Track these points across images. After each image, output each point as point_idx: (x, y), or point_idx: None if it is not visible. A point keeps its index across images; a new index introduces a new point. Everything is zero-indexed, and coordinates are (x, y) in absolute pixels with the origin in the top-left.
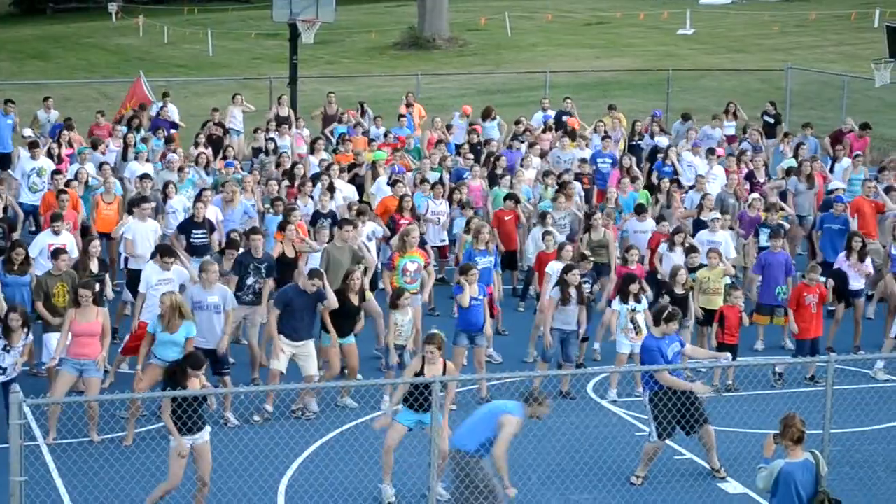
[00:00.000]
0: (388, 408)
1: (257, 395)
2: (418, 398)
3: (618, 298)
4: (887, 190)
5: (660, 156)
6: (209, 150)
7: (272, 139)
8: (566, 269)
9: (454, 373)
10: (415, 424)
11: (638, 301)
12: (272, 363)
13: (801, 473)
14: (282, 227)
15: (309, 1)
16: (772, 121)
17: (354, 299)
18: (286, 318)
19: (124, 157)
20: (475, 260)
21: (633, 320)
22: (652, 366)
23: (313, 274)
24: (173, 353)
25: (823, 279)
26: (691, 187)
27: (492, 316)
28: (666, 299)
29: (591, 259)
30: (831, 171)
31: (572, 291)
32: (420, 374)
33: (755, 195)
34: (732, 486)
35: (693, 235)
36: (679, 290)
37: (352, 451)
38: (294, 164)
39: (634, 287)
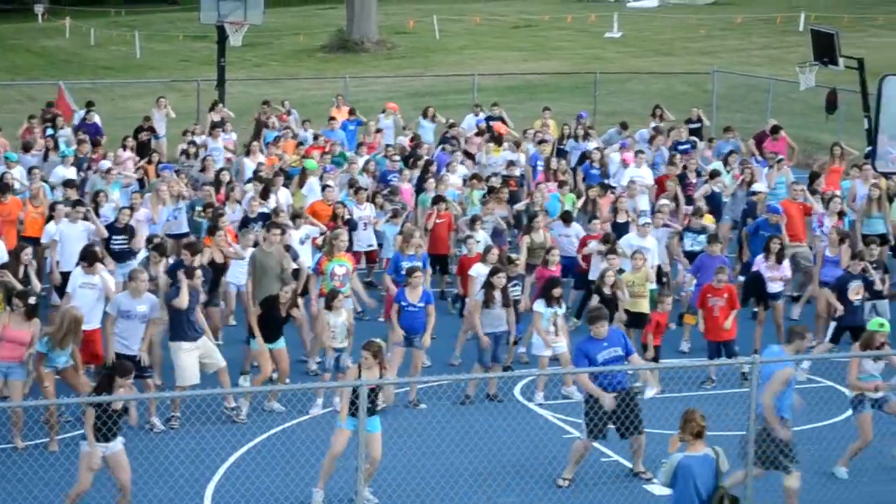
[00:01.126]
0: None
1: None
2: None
3: (542, 301)
4: (813, 192)
5: (588, 160)
6: (134, 156)
7: (193, 142)
8: (492, 272)
9: (390, 369)
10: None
11: (560, 305)
12: (180, 380)
13: (699, 468)
14: (210, 233)
15: (237, 3)
16: (697, 126)
17: (282, 310)
18: (179, 322)
19: (45, 158)
20: (401, 264)
21: (555, 323)
22: (578, 367)
23: (191, 273)
24: (63, 360)
25: (742, 279)
26: (610, 188)
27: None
28: (595, 300)
29: (517, 262)
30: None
31: (496, 294)
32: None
33: (664, 201)
34: (658, 488)
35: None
36: (607, 291)
37: (278, 455)
38: (220, 171)
39: (558, 291)
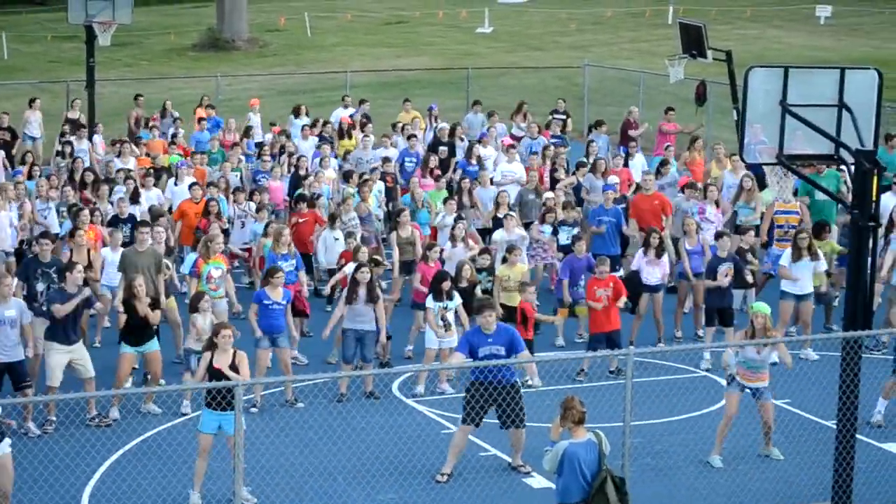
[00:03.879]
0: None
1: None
2: (216, 396)
3: (431, 296)
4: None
5: (461, 151)
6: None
7: (69, 143)
8: (357, 268)
9: (244, 361)
10: (217, 429)
11: (450, 298)
12: (48, 380)
13: (584, 453)
14: (71, 234)
15: (105, 3)
16: (562, 117)
17: (141, 308)
18: (54, 323)
19: None
20: (277, 264)
21: (443, 318)
22: (451, 363)
23: (70, 267)
24: None
25: (619, 273)
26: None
27: (305, 315)
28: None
29: (383, 265)
30: (625, 165)
31: (360, 290)
32: (212, 368)
33: (550, 194)
34: (537, 481)
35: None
36: (463, 284)
37: (155, 457)
38: (85, 171)
39: (446, 284)
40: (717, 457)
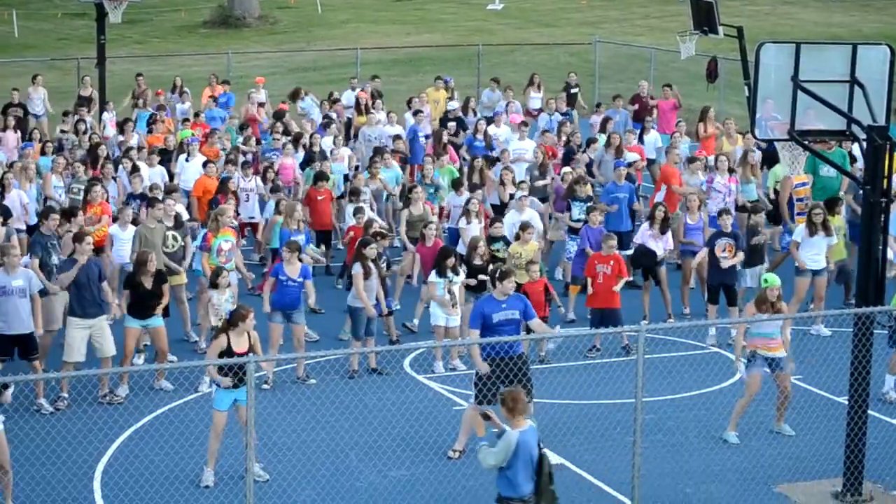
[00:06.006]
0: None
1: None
2: (231, 371)
3: (435, 272)
4: (690, 160)
5: (468, 131)
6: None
7: (82, 120)
8: (362, 244)
9: (258, 343)
10: (232, 405)
11: (456, 273)
12: (66, 355)
13: (531, 439)
14: (82, 208)
15: None
16: (574, 91)
17: (147, 282)
18: (74, 296)
19: None
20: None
21: (450, 291)
22: (467, 339)
23: (78, 237)
24: None
25: (629, 252)
26: (496, 160)
27: None
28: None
29: (389, 235)
30: (640, 142)
31: (371, 265)
32: (228, 348)
33: (567, 168)
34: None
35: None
36: (477, 262)
37: (167, 434)
38: (97, 146)
39: (451, 261)
40: (733, 433)
